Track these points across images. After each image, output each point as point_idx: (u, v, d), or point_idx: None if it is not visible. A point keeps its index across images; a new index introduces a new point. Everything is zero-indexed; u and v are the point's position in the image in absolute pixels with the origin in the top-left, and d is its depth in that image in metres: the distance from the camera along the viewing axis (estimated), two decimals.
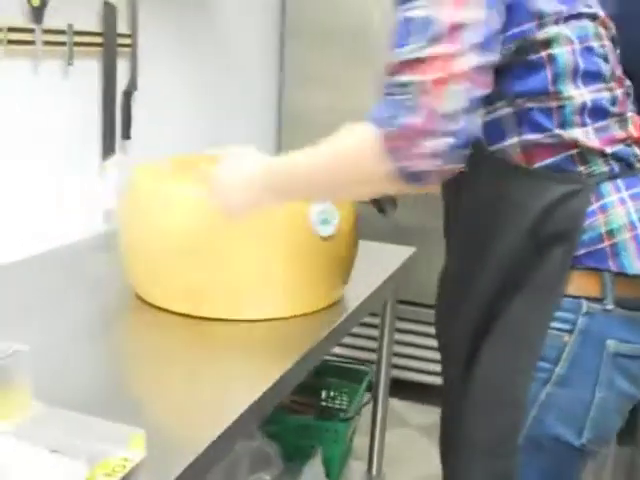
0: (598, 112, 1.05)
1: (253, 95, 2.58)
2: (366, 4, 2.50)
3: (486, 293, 1.11)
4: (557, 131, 1.04)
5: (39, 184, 1.60)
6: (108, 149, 1.79)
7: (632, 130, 1.09)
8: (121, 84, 1.82)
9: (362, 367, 2.00)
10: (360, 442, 2.05)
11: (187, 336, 1.21)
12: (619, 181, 1.06)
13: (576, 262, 1.04)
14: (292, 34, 2.65)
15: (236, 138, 2.42)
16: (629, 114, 1.10)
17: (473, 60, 0.89)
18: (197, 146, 2.19)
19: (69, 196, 1.69)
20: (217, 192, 1.14)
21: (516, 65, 1.02)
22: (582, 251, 1.04)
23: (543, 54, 1.02)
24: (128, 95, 1.84)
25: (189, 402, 0.99)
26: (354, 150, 0.96)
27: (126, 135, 1.85)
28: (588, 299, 1.04)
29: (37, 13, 1.51)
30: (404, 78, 0.89)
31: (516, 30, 1.00)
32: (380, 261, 1.65)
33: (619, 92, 1.08)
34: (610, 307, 1.04)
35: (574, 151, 1.05)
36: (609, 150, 1.05)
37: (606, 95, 1.06)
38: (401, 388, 2.60)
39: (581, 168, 1.05)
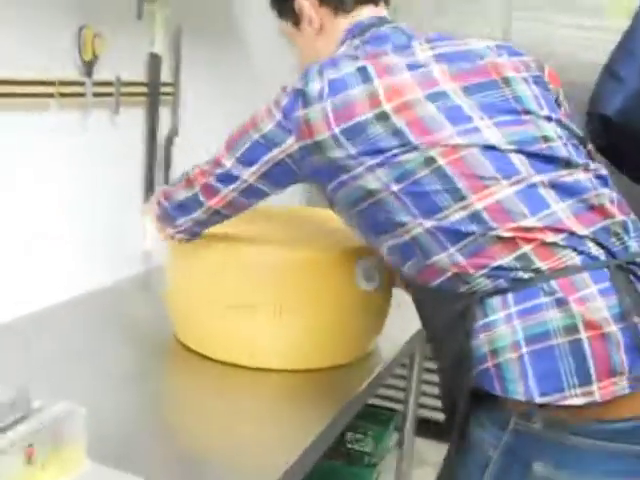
0: (454, 234, 1.02)
1: None
2: None
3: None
4: (425, 262, 1.05)
5: (83, 226, 1.67)
6: (150, 194, 1.85)
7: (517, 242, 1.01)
8: (163, 130, 1.89)
9: (388, 411, 2.02)
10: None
11: (229, 385, 1.27)
12: (510, 295, 1.00)
13: (475, 382, 1.02)
14: None
15: None
16: (509, 225, 1.01)
17: (207, 180, 1.23)
18: None
19: (111, 238, 1.76)
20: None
21: (362, 214, 1.11)
22: (475, 370, 1.01)
23: (376, 207, 1.08)
24: (169, 141, 1.91)
25: (233, 460, 1.04)
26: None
27: (166, 179, 1.91)
28: (518, 415, 0.99)
29: (88, 67, 1.59)
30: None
31: (336, 181, 1.11)
32: (411, 307, 1.69)
33: (482, 205, 1.01)
34: (538, 426, 0.98)
35: (448, 274, 1.04)
36: (480, 272, 1.01)
37: (456, 217, 1.02)
38: (423, 427, 2.62)
39: (463, 288, 1.03)
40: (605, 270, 1.00)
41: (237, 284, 1.31)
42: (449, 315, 1.05)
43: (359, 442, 2.00)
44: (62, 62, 1.54)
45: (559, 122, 1.11)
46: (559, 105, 1.18)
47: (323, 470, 1.77)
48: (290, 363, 1.33)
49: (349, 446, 1.99)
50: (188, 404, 1.21)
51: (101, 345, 1.40)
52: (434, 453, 2.64)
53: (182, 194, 1.28)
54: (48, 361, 1.31)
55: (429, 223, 1.03)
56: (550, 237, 1.00)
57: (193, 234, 1.33)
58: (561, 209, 1.02)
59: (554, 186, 1.04)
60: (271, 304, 1.29)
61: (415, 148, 1.04)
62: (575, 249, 1.00)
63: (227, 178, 1.20)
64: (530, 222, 1.01)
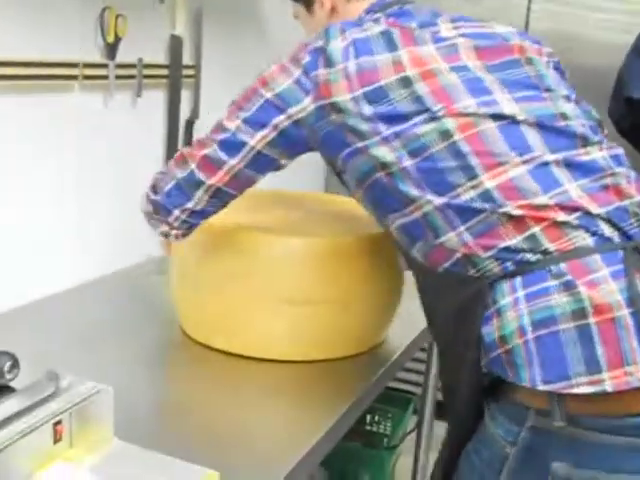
0: (465, 212, 1.01)
1: None
2: None
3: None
4: (434, 241, 1.03)
5: (103, 208, 1.68)
6: None
7: (527, 223, 0.99)
8: (184, 113, 1.89)
9: (407, 394, 2.03)
10: (402, 462, 2.08)
11: (244, 375, 1.27)
12: (517, 279, 0.98)
13: (488, 369, 1.00)
14: None
15: None
16: (520, 202, 0.99)
17: (206, 150, 1.12)
18: None
19: (132, 220, 1.76)
20: None
21: (372, 188, 1.08)
22: (487, 358, 0.99)
23: (387, 181, 1.05)
24: (190, 123, 1.91)
25: (258, 440, 1.05)
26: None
27: None
28: (536, 411, 0.96)
29: (111, 49, 1.59)
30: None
31: (347, 151, 1.07)
32: None
33: (494, 183, 1.00)
34: (560, 424, 0.93)
35: (457, 255, 1.02)
36: (488, 253, 0.99)
37: (468, 195, 1.00)
38: (442, 410, 2.62)
39: (471, 271, 1.01)
40: (619, 252, 0.97)
41: (258, 275, 1.26)
42: (459, 301, 1.03)
43: (378, 424, 2.01)
44: (85, 44, 1.55)
45: (577, 103, 1.11)
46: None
47: (343, 452, 1.78)
48: (308, 354, 1.30)
49: (368, 428, 2.01)
50: (208, 385, 1.22)
51: (125, 326, 1.42)
52: None
53: (174, 176, 1.14)
54: (73, 341, 1.33)
55: (440, 200, 1.01)
56: (562, 216, 0.98)
57: (190, 226, 1.19)
58: (574, 188, 1.00)
59: (568, 165, 1.02)
60: (294, 295, 1.26)
61: (433, 118, 1.02)
62: (587, 229, 0.98)
63: (232, 145, 1.10)
64: (542, 200, 0.99)
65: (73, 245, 1.61)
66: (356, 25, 1.10)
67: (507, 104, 1.04)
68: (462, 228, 1.01)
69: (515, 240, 0.98)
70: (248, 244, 1.27)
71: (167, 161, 1.83)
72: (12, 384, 0.89)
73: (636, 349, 0.92)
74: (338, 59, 1.06)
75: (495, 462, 1.00)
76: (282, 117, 1.08)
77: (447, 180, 1.01)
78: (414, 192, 1.03)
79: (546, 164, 1.01)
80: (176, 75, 1.82)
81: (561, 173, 1.01)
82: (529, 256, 0.98)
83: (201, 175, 1.12)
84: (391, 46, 1.07)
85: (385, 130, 1.03)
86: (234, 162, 1.11)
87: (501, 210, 0.99)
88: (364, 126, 1.04)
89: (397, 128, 1.03)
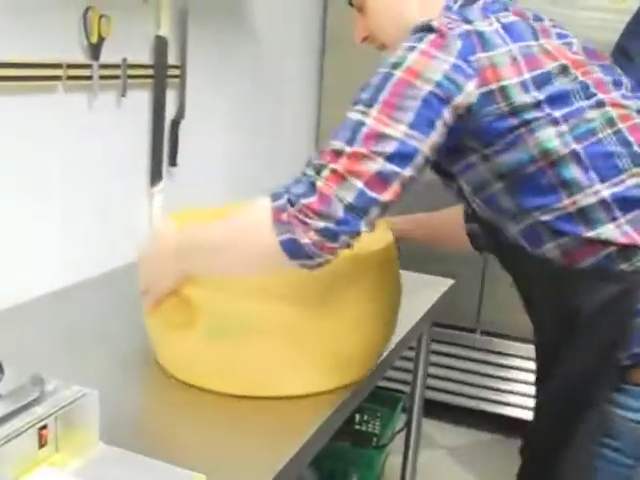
0: (627, 202, 1.01)
1: (292, 117, 2.63)
2: None
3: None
4: (587, 234, 1.02)
5: (87, 210, 1.67)
6: (156, 176, 1.85)
7: None
8: (169, 113, 1.88)
9: (395, 393, 2.04)
10: (391, 461, 2.09)
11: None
12: None
13: (636, 360, 1.01)
14: (331, 58, 2.69)
15: (276, 157, 2.47)
16: None
17: (375, 166, 0.95)
18: (238, 169, 2.25)
19: (117, 221, 1.76)
20: (141, 270, 1.15)
21: (522, 181, 1.04)
22: (631, 350, 1.01)
23: (547, 170, 1.01)
24: (176, 124, 1.90)
25: (244, 442, 1.04)
26: (250, 220, 1.01)
27: (173, 162, 1.91)
28: None
29: (95, 49, 1.58)
30: (320, 162, 0.97)
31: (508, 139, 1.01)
32: (417, 294, 1.69)
33: None
34: None
35: (612, 248, 1.01)
36: None
37: (632, 182, 1.01)
38: (431, 408, 2.64)
39: (623, 265, 1.01)
40: None
41: (227, 305, 1.11)
42: (604, 298, 1.01)
43: (367, 424, 2.02)
44: (69, 45, 1.53)
45: None
46: None
47: (332, 451, 1.78)
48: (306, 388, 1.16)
49: (357, 428, 2.01)
50: (195, 388, 1.21)
51: (109, 329, 1.41)
52: (442, 434, 2.66)
53: (340, 200, 0.94)
54: (58, 344, 1.32)
55: (603, 188, 1.00)
56: None
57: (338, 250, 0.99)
58: None
59: None
60: (282, 326, 1.12)
61: (599, 104, 1.02)
62: None
63: (403, 156, 0.96)
64: None
65: (57, 247, 1.59)
66: (499, 11, 1.06)
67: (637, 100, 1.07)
68: (622, 220, 1.00)
69: None
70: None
71: (153, 160, 1.84)
72: None
73: None
74: (497, 41, 1.01)
75: (633, 447, 1.02)
76: (449, 110, 0.98)
77: (615, 164, 1.01)
78: (581, 178, 1.01)
79: None
80: (161, 75, 1.81)
81: None
82: None
83: (373, 194, 0.96)
84: (535, 35, 1.05)
85: (555, 112, 1.00)
86: (407, 173, 0.97)
87: None
88: (532, 111, 1.00)
89: (565, 110, 1.00)
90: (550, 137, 1.00)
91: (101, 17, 1.57)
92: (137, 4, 1.70)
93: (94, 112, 1.63)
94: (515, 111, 1.00)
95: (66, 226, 1.61)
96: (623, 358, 1.01)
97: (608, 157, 1.01)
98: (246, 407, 1.13)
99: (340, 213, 0.94)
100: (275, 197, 0.97)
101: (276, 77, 2.45)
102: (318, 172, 0.96)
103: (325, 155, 0.97)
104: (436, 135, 0.97)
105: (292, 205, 0.95)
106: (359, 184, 0.95)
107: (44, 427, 0.87)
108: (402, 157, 0.96)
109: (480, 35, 1.00)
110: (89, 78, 1.58)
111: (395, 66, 0.98)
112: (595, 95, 1.02)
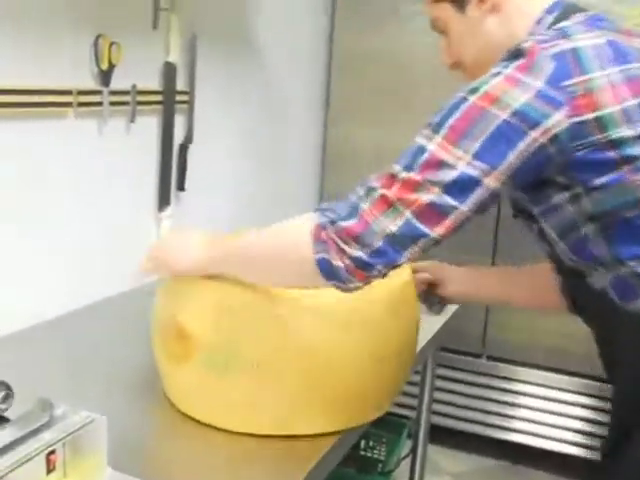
0: None
1: (299, 140, 2.64)
2: (414, 42, 2.51)
3: None
4: None
5: (97, 233, 1.68)
6: (164, 201, 1.86)
7: None
8: (178, 138, 1.90)
9: (401, 419, 2.03)
10: None
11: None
12: None
13: None
14: (338, 80, 2.71)
15: (284, 180, 2.49)
16: None
17: (429, 197, 0.88)
18: (246, 192, 2.26)
19: (125, 246, 1.77)
20: (161, 249, 1.15)
21: (618, 226, 0.93)
22: None
23: None
24: (184, 148, 1.92)
25: (250, 470, 1.04)
26: (291, 232, 0.99)
27: (181, 187, 1.92)
28: None
29: (105, 76, 1.60)
30: (373, 184, 0.92)
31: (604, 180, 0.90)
32: (423, 319, 1.68)
33: None
34: None
35: None
36: None
37: None
38: (436, 434, 2.62)
39: None
40: None
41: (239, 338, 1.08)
42: None
43: (373, 449, 2.01)
44: (80, 71, 1.56)
45: None
46: None
47: (337, 478, 1.77)
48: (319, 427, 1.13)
49: (362, 453, 2.00)
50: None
51: (116, 355, 1.41)
52: (447, 460, 2.65)
53: (382, 230, 0.88)
54: (65, 370, 1.32)
55: None
56: None
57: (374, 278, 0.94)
58: None
59: None
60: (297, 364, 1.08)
61: None
62: None
63: (462, 187, 0.87)
64: None
65: (65, 271, 1.60)
66: (590, 26, 0.96)
67: None
68: None
69: None
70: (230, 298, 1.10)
71: (162, 185, 1.85)
72: (5, 414, 0.89)
73: None
74: (596, 62, 0.90)
75: None
76: (527, 142, 0.88)
77: None
78: None
79: None
80: (170, 101, 1.83)
81: None
82: None
83: (422, 227, 0.88)
84: (624, 55, 0.93)
85: None
86: (464, 208, 0.88)
87: None
88: (636, 145, 0.88)
89: None
90: None
91: (111, 44, 1.59)
92: (147, 31, 1.72)
93: (104, 138, 1.65)
94: (614, 145, 0.89)
95: (74, 250, 1.62)
96: None
97: None
98: (249, 442, 1.11)
99: (378, 243, 0.88)
100: (320, 212, 0.94)
101: (283, 100, 2.47)
102: (367, 194, 0.91)
103: (380, 178, 0.91)
104: (507, 169, 0.88)
105: (332, 224, 0.91)
106: (407, 213, 0.88)
107: (52, 452, 0.87)
108: (461, 189, 0.87)
109: (577, 54, 0.90)
110: (99, 104, 1.60)
111: (472, 91, 0.90)
112: None
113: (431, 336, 1.61)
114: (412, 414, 2.03)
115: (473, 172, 0.87)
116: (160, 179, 1.86)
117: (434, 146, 0.89)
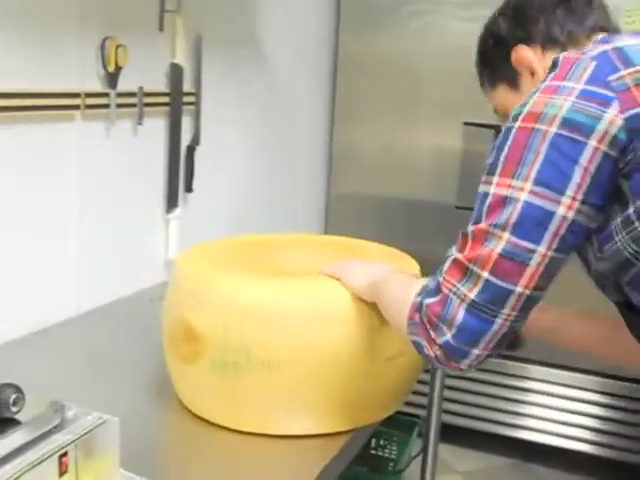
0: None
1: (305, 141, 2.64)
2: (419, 43, 2.52)
3: None
4: None
5: (105, 236, 1.68)
6: (171, 202, 1.87)
7: None
8: (185, 139, 1.90)
9: (411, 418, 2.02)
10: None
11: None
12: None
13: None
14: (344, 82, 2.71)
15: (291, 181, 2.49)
16: None
17: (500, 245, 0.78)
18: (254, 193, 2.26)
19: (134, 247, 1.77)
20: (344, 267, 1.12)
21: None
22: None
23: None
24: (191, 150, 1.92)
25: (266, 463, 1.04)
26: (403, 300, 0.91)
27: (189, 188, 1.93)
28: None
29: (112, 78, 1.60)
30: (451, 251, 0.85)
31: None
32: None
33: None
34: None
35: None
36: None
37: None
38: (447, 433, 2.61)
39: None
40: None
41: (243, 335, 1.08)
42: None
43: (384, 448, 2.00)
44: (87, 74, 1.56)
45: None
46: None
47: (349, 477, 1.77)
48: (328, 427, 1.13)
49: (374, 452, 2.00)
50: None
51: (127, 356, 1.41)
52: (458, 459, 2.64)
53: (460, 300, 0.79)
54: (76, 372, 1.33)
55: None
56: None
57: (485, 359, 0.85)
58: None
59: None
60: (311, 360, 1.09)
61: None
62: None
63: (532, 222, 0.77)
64: None
65: (74, 273, 1.61)
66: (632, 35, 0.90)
67: None
68: None
69: None
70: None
71: (169, 187, 1.85)
72: (17, 416, 0.89)
73: None
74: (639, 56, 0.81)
75: None
76: (588, 153, 0.76)
77: None
78: None
79: None
80: (177, 102, 1.83)
81: None
82: None
83: (502, 283, 0.78)
84: None
85: None
86: (543, 249, 0.77)
87: None
88: None
89: None
90: None
91: (118, 47, 1.59)
92: (153, 33, 1.73)
93: (111, 140, 1.65)
94: None
95: (83, 252, 1.62)
96: None
97: None
98: (258, 443, 1.11)
99: (460, 315, 0.78)
100: (422, 287, 0.87)
101: (289, 101, 2.47)
102: (445, 261, 0.82)
103: (457, 240, 0.82)
104: (578, 189, 0.76)
105: (422, 304, 0.83)
106: (484, 274, 0.78)
107: (64, 454, 0.87)
108: (531, 227, 0.76)
109: (621, 51, 0.82)
110: (106, 107, 1.60)
111: (516, 117, 0.82)
112: None
113: None
114: (422, 413, 2.02)
115: (539, 201, 0.76)
116: (168, 181, 1.86)
117: (494, 187, 0.80)
